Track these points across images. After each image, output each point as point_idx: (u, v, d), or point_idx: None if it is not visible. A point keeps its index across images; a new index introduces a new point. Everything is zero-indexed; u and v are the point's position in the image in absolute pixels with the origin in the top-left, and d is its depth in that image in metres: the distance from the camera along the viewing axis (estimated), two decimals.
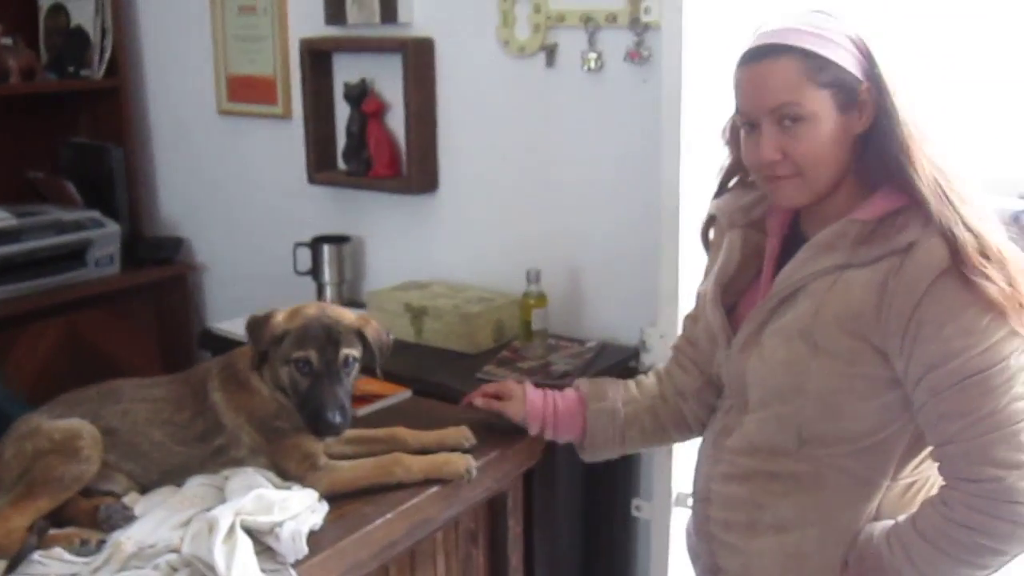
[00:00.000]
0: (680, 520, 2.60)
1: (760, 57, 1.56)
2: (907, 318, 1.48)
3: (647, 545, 2.75)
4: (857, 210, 1.57)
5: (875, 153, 1.55)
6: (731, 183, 1.81)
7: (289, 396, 1.76)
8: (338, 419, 1.72)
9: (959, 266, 1.45)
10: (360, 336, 1.80)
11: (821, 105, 1.53)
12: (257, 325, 1.78)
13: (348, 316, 1.82)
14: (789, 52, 1.53)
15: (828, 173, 1.58)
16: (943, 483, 1.54)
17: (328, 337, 1.75)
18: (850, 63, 1.53)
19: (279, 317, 1.77)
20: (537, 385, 2.04)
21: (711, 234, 1.88)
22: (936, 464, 1.55)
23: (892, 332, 1.50)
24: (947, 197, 1.49)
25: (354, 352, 1.78)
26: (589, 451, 1.99)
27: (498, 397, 2.01)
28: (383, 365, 1.86)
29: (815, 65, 1.52)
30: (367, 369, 1.86)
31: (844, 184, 1.60)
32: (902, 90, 1.53)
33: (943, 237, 1.47)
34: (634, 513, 2.78)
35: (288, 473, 1.75)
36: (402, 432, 1.92)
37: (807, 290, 1.59)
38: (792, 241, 1.67)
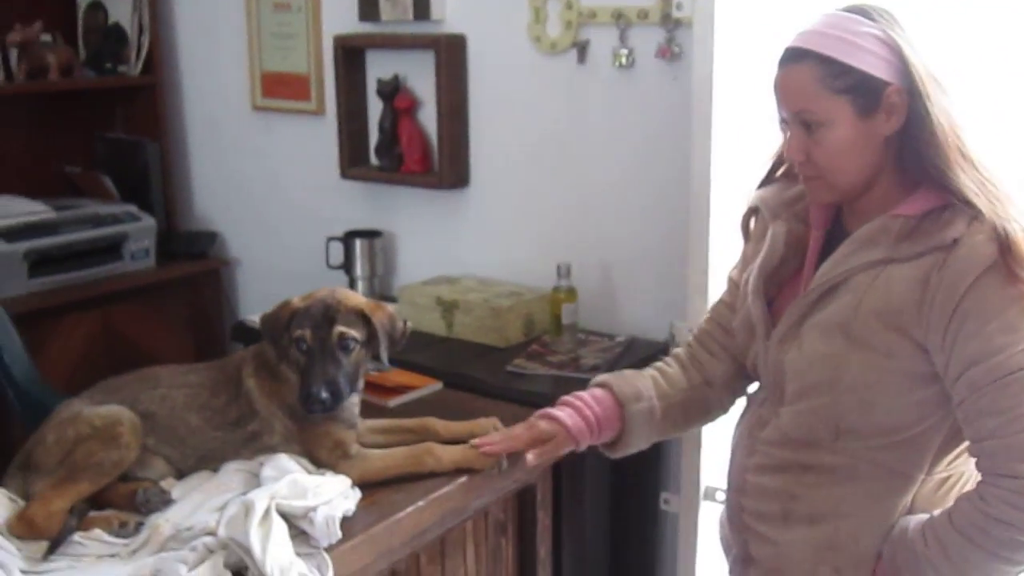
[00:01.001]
0: (708, 514, 2.61)
1: (785, 61, 1.58)
2: (950, 314, 1.48)
3: (675, 538, 2.76)
4: (900, 205, 1.57)
5: (912, 153, 1.55)
6: (779, 172, 1.80)
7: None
8: (323, 394, 1.70)
9: (1010, 263, 1.45)
10: (364, 319, 1.78)
11: (837, 112, 1.54)
12: (270, 318, 1.80)
13: (355, 299, 1.81)
14: (808, 58, 1.54)
15: (851, 175, 1.58)
16: (980, 479, 1.53)
17: (324, 315, 1.74)
18: (876, 66, 1.52)
19: (295, 300, 1.80)
20: (557, 403, 1.90)
21: (751, 224, 1.86)
22: (973, 460, 1.55)
23: (934, 327, 1.50)
24: (995, 196, 1.50)
25: (352, 332, 1.75)
26: (621, 450, 1.91)
27: (539, 440, 1.84)
28: (393, 353, 1.83)
29: (832, 72, 1.52)
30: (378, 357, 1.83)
31: (882, 181, 1.60)
32: (936, 92, 1.52)
33: (995, 233, 1.46)
34: (662, 506, 2.79)
35: (319, 461, 1.77)
36: (433, 423, 1.94)
37: (848, 284, 1.59)
38: (835, 235, 1.67)
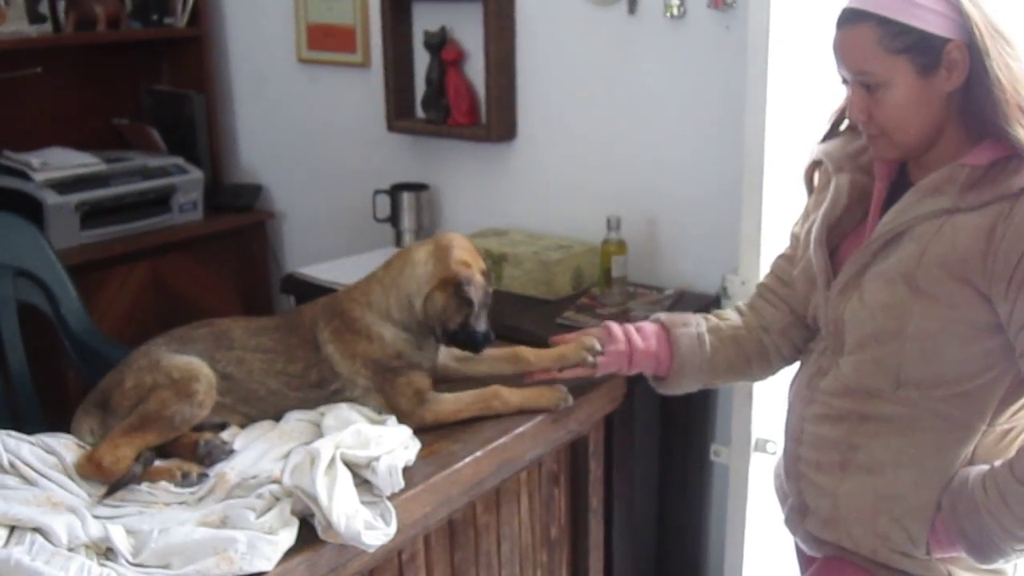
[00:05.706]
0: (759, 466, 2.61)
1: (842, 23, 1.58)
2: (1015, 263, 1.47)
3: (724, 489, 2.77)
4: (967, 156, 1.56)
5: (974, 107, 1.54)
6: (843, 126, 1.80)
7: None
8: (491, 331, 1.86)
9: None
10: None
11: (896, 72, 1.53)
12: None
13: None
14: (865, 19, 1.53)
15: (914, 133, 1.58)
16: None
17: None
18: (935, 23, 1.50)
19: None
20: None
21: (815, 178, 1.86)
22: None
23: (998, 277, 1.49)
24: None
25: None
26: (675, 379, 1.94)
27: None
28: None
29: (890, 32, 1.51)
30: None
31: (947, 134, 1.59)
32: (996, 46, 1.50)
33: None
34: (712, 458, 2.80)
35: (399, 408, 1.80)
36: (524, 351, 1.95)
37: (912, 233, 1.58)
38: (899, 186, 1.66)
